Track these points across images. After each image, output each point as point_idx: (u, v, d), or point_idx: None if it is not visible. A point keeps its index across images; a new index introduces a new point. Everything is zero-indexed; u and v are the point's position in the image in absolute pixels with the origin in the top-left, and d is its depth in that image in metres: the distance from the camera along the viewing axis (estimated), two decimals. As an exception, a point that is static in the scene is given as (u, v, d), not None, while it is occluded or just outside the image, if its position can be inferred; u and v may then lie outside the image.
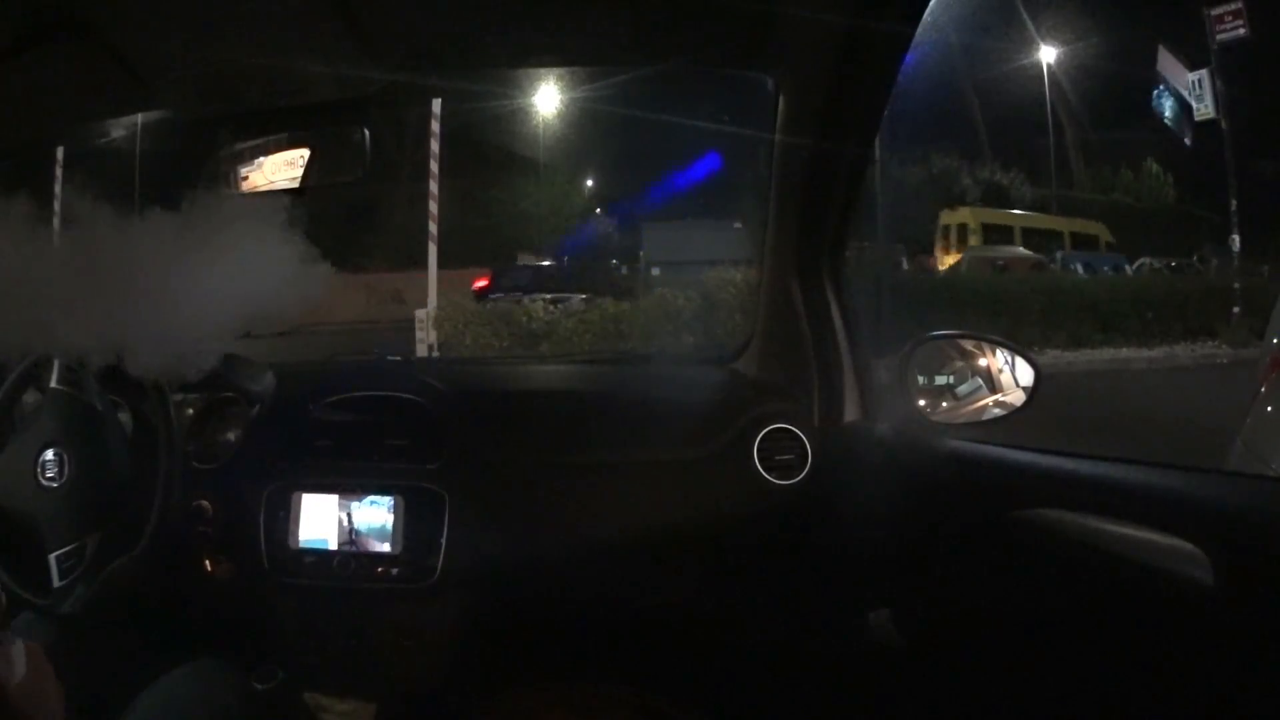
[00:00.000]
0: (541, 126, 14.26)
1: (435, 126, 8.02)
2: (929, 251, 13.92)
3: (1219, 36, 10.30)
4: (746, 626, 1.27)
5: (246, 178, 1.11)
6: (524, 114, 13.90)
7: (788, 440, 1.22)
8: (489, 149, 13.94)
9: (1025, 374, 1.03)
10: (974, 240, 14.26)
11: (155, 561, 1.01)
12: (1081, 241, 14.67)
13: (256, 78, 1.08)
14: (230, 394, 1.25)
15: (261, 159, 1.10)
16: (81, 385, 1.01)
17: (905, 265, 12.15)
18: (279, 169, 1.09)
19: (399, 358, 1.67)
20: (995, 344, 1.07)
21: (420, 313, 7.60)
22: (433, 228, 8.00)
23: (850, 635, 1.15)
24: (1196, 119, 11.00)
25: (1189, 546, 0.64)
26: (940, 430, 1.04)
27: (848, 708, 1.18)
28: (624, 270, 15.90)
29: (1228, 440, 1.79)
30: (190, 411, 1.24)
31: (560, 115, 14.14)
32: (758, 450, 1.21)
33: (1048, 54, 14.98)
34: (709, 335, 6.96)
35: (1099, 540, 0.73)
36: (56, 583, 0.94)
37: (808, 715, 1.23)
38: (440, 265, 8.13)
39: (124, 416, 1.09)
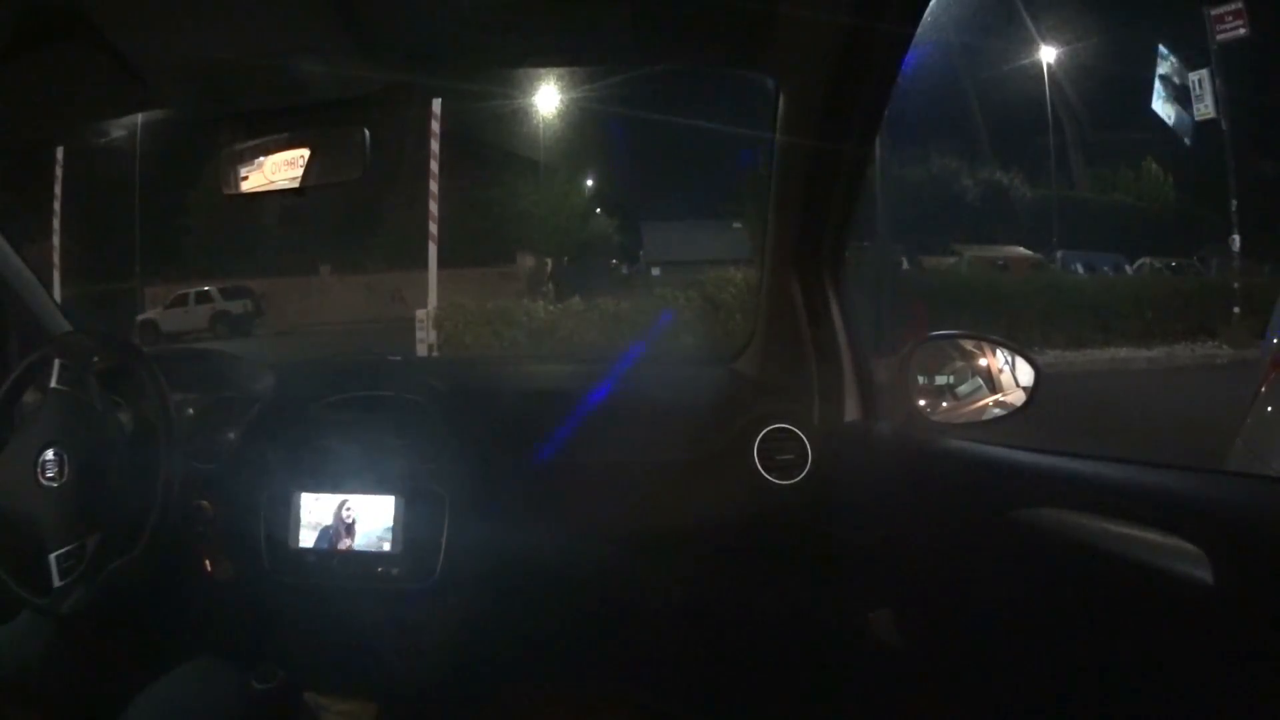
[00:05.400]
0: (541, 126, 14.25)
1: (435, 126, 8.02)
2: (929, 251, 13.89)
3: (1219, 36, 10.29)
4: (747, 626, 1.27)
5: (246, 178, 1.11)
6: (524, 114, 13.90)
7: (788, 440, 1.22)
8: (489, 149, 13.93)
9: (1025, 374, 1.02)
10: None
11: (155, 561, 1.01)
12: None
13: (256, 78, 1.08)
14: (230, 394, 1.25)
15: (261, 159, 1.09)
16: (81, 385, 1.01)
17: (905, 265, 12.14)
18: (279, 169, 1.09)
19: (399, 358, 1.67)
20: (995, 344, 1.07)
21: (420, 313, 7.61)
22: (433, 228, 8.00)
23: (850, 635, 1.15)
24: (1196, 119, 10.99)
25: (1189, 546, 0.64)
26: (940, 430, 1.04)
27: (848, 708, 1.18)
28: (624, 270, 15.91)
29: (1227, 440, 1.79)
30: (190, 411, 1.24)
31: (560, 115, 14.14)
32: (758, 450, 1.21)
33: (1048, 54, 14.97)
34: (709, 335, 6.97)
35: (1099, 540, 0.73)
36: (56, 583, 0.94)
37: (808, 715, 1.23)
38: (440, 265, 8.13)
39: (124, 416, 1.09)
